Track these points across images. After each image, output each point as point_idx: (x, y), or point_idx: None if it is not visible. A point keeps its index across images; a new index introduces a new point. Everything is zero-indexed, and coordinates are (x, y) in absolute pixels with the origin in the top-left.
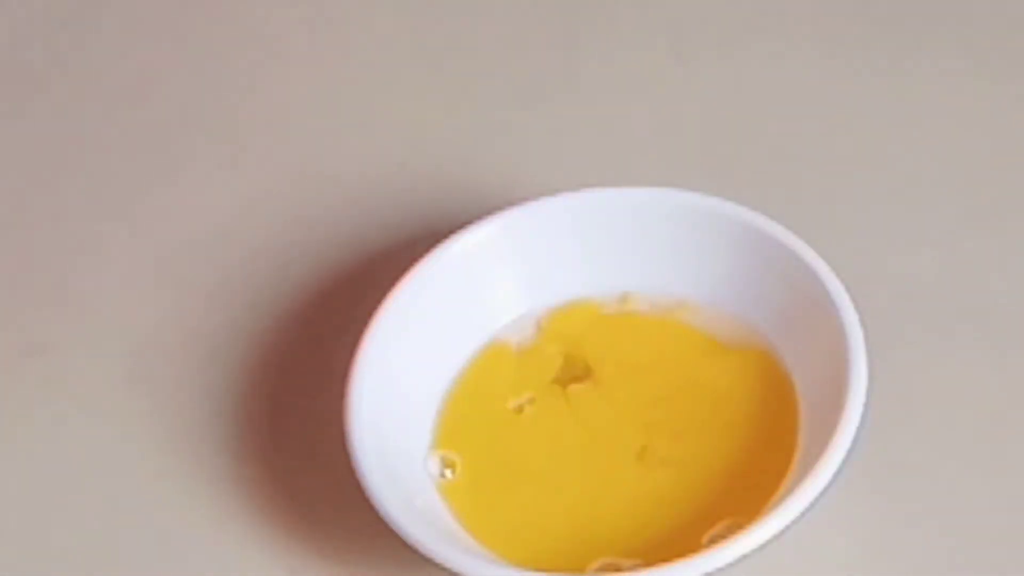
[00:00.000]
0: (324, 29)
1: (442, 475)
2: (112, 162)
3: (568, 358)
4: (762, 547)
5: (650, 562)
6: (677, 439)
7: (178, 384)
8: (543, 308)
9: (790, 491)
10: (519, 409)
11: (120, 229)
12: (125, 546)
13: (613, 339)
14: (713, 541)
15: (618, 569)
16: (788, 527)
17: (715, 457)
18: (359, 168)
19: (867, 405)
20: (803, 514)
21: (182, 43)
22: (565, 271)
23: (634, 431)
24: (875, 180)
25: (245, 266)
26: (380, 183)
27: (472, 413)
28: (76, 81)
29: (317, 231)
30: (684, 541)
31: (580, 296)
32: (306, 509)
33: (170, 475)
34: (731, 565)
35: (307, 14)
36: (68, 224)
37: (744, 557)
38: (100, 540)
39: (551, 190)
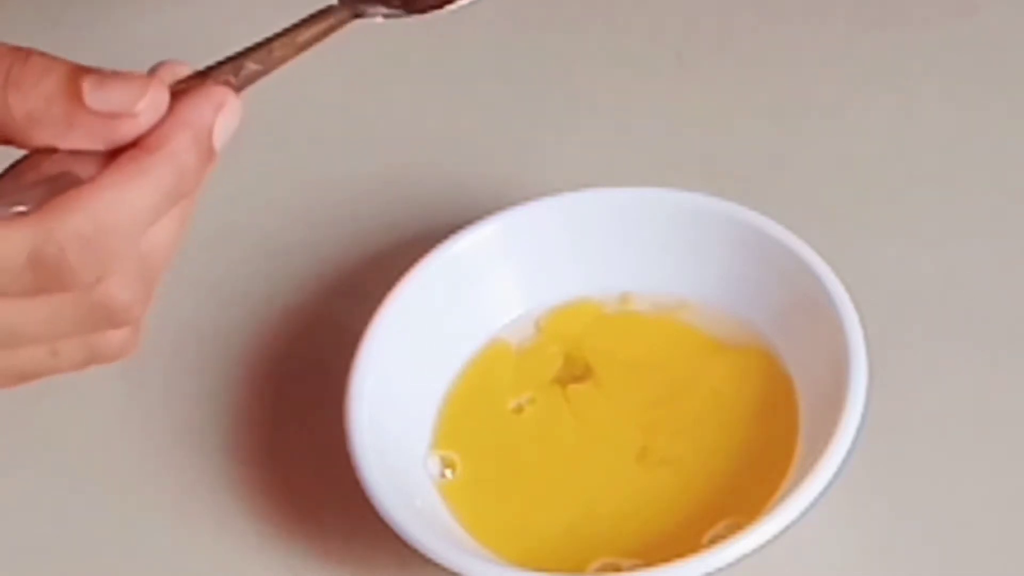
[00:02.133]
0: None
1: (442, 475)
2: None
3: (568, 358)
4: (762, 547)
5: (650, 562)
6: (677, 439)
7: (177, 384)
8: (543, 308)
9: (790, 491)
10: (519, 409)
11: None
12: (125, 546)
13: (613, 339)
14: (713, 541)
15: (618, 569)
16: (788, 527)
17: (715, 457)
18: (359, 168)
19: (867, 405)
20: (803, 514)
21: (182, 42)
22: (565, 271)
23: (634, 431)
24: (875, 180)
25: (245, 266)
26: (380, 183)
27: (472, 413)
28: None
29: (317, 231)
30: (684, 541)
31: (580, 296)
32: (306, 509)
33: (170, 475)
34: (731, 565)
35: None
36: None
37: (744, 557)
38: (100, 540)
39: (551, 190)
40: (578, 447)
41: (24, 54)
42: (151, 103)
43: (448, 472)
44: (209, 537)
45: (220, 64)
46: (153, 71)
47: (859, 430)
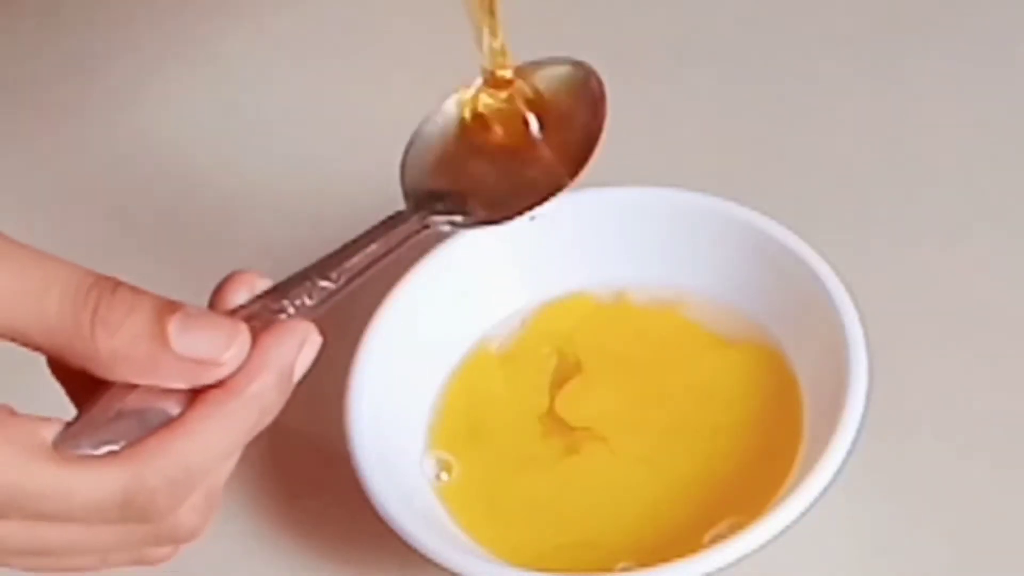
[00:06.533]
0: (324, 28)
1: (438, 477)
2: (111, 162)
3: (564, 356)
4: (762, 547)
5: (650, 562)
6: (677, 437)
7: None
8: (541, 308)
9: (791, 491)
10: (516, 409)
11: (119, 230)
12: None
13: (611, 336)
14: (714, 541)
15: (617, 569)
16: (787, 528)
17: (717, 456)
18: (359, 168)
19: (867, 405)
20: (803, 514)
21: (182, 41)
22: (565, 271)
23: (633, 430)
24: (875, 180)
25: (245, 266)
26: (380, 183)
27: (469, 413)
28: (75, 80)
29: (317, 231)
30: (684, 541)
31: (579, 295)
32: (306, 509)
33: None
34: (732, 565)
35: (308, 13)
36: (67, 224)
37: (745, 557)
38: None
39: None
40: (576, 447)
41: (111, 286)
42: (237, 353)
43: (444, 475)
44: (209, 537)
45: (294, 281)
46: (230, 280)
47: (859, 430)
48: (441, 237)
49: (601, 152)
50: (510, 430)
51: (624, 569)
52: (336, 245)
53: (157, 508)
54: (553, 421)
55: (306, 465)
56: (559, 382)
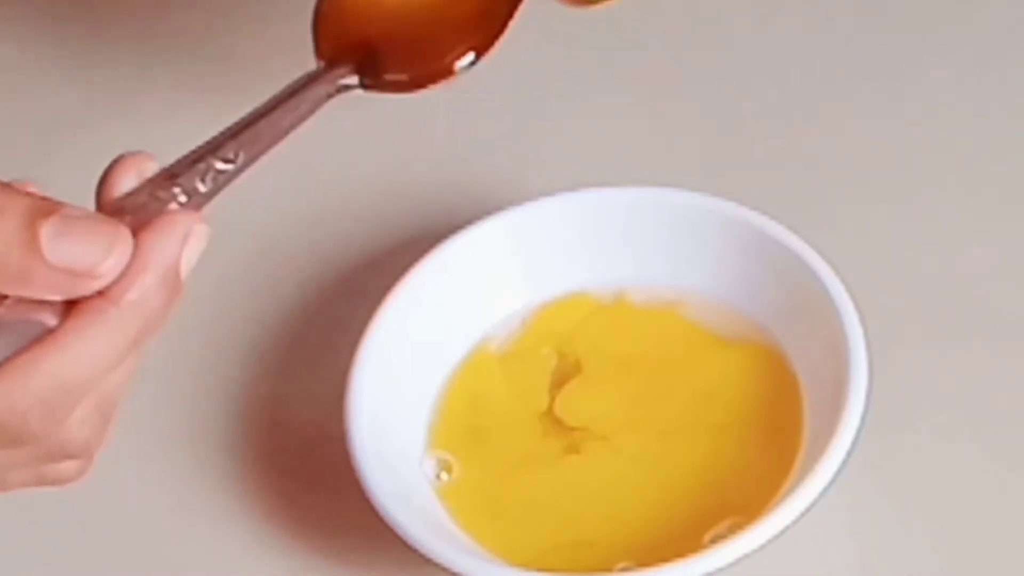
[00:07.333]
0: None
1: (438, 477)
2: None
3: (564, 356)
4: (762, 547)
5: (650, 562)
6: (677, 437)
7: (178, 384)
8: (542, 308)
9: (791, 491)
10: (516, 409)
11: None
12: (125, 546)
13: (610, 335)
14: (714, 541)
15: (618, 569)
16: (787, 528)
17: (717, 456)
18: (359, 168)
19: (867, 405)
20: (803, 514)
21: (181, 41)
22: (565, 272)
23: (634, 430)
24: (875, 180)
25: (245, 266)
26: (380, 183)
27: (469, 414)
28: (73, 77)
29: (317, 231)
30: (684, 541)
31: (579, 294)
32: (306, 509)
33: (170, 475)
34: (731, 565)
35: (307, 13)
36: None
37: (745, 557)
38: (100, 540)
39: (551, 190)
40: (576, 446)
41: None
42: (116, 263)
43: (444, 475)
44: (209, 537)
45: (186, 162)
46: (117, 163)
47: (859, 430)
48: (439, 237)
49: (603, 154)
50: (510, 430)
51: (624, 569)
52: (336, 245)
53: (30, 430)
54: (553, 421)
55: (306, 465)
56: (559, 382)
